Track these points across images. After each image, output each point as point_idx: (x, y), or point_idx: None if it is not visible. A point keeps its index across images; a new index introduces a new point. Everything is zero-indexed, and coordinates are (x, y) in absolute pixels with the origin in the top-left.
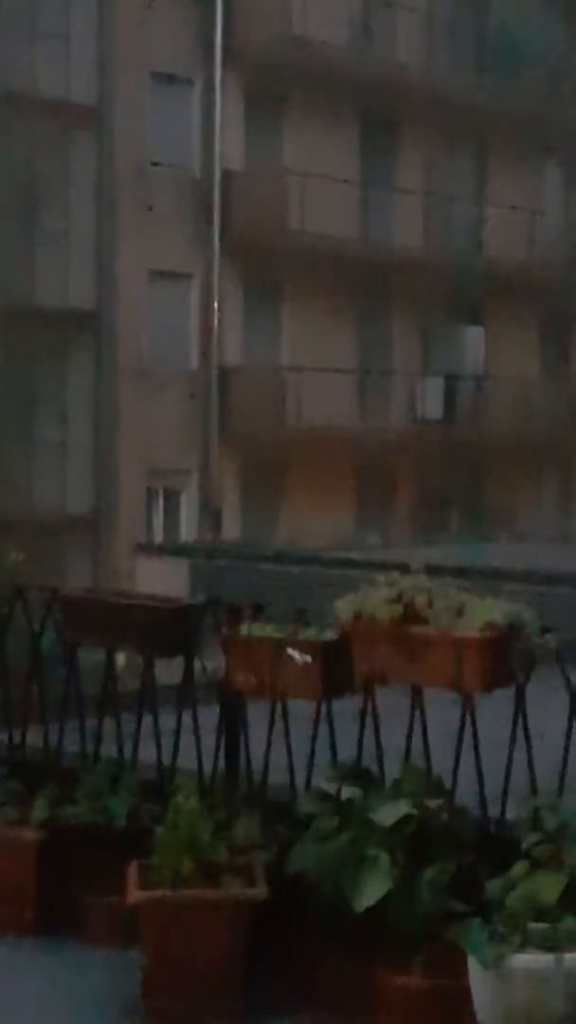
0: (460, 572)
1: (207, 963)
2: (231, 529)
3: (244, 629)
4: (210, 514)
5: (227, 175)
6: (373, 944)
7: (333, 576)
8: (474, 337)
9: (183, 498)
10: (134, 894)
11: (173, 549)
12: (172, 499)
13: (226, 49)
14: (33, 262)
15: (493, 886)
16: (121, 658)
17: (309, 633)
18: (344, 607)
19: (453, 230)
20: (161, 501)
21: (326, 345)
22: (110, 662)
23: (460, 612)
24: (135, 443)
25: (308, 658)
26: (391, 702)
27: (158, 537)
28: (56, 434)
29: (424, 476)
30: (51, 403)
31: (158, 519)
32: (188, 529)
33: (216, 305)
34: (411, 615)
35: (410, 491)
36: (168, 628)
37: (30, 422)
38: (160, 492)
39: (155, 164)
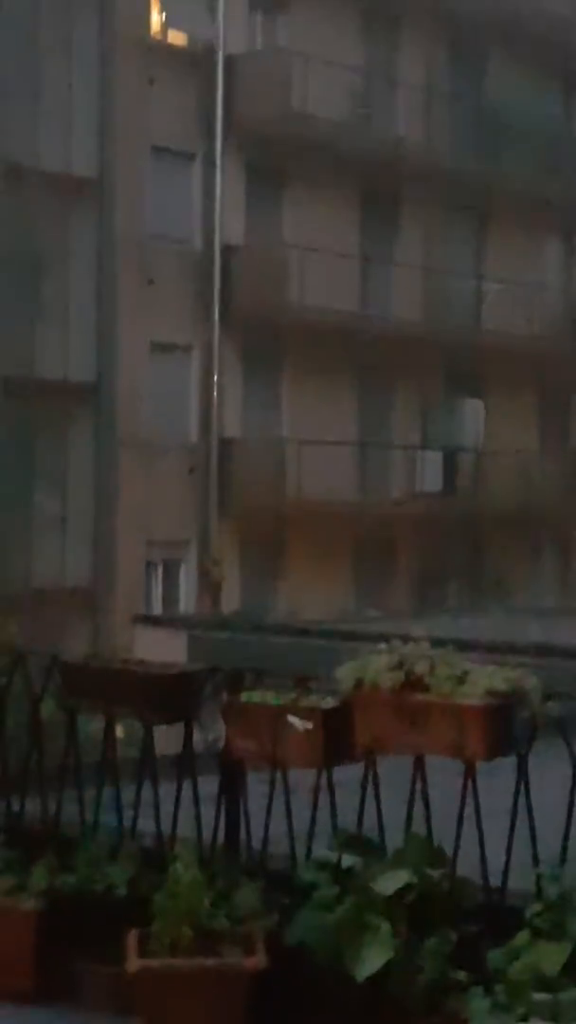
0: (462, 645)
1: None
2: (230, 601)
3: (244, 696)
4: (209, 586)
5: (227, 248)
6: (374, 1014)
7: (331, 648)
8: (473, 410)
9: (182, 569)
10: (133, 963)
11: (172, 620)
12: (171, 570)
13: (227, 123)
14: (33, 333)
15: (495, 956)
16: (120, 729)
17: (310, 700)
18: (345, 674)
19: (452, 304)
20: (160, 572)
21: (326, 418)
22: (110, 729)
23: (462, 679)
24: (134, 514)
25: (309, 725)
26: (393, 770)
27: (157, 608)
28: (55, 505)
29: (423, 549)
30: (51, 474)
31: (157, 590)
32: (187, 600)
33: (216, 377)
34: (413, 682)
35: (409, 564)
36: (168, 694)
37: (30, 493)
38: (159, 563)
39: (156, 237)
